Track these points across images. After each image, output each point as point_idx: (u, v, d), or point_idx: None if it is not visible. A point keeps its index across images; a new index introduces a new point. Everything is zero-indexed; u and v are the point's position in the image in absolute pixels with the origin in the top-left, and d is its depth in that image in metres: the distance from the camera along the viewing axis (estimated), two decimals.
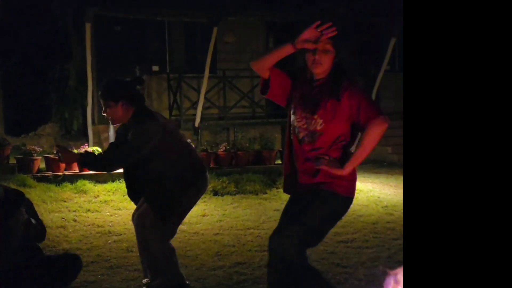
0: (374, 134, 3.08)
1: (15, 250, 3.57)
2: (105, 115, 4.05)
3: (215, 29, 10.58)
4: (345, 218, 6.38)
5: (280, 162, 9.24)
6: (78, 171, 8.08)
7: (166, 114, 13.24)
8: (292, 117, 3.24)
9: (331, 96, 3.11)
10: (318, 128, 3.12)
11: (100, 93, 4.11)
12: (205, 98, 11.24)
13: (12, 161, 8.34)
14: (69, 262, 3.84)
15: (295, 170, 3.24)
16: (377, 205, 7.34)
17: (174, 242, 5.25)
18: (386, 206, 7.21)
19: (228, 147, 9.45)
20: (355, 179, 3.26)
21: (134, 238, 5.56)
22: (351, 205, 3.34)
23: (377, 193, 8.25)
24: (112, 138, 8.54)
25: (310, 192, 3.16)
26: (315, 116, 3.12)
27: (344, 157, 3.16)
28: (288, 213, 3.31)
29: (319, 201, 3.15)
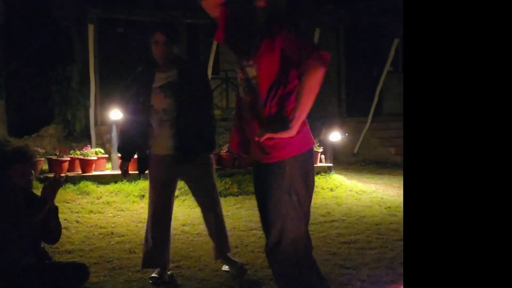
0: (312, 80, 2.78)
1: (27, 251, 3.59)
2: (157, 50, 4.14)
3: None
4: (348, 219, 6.43)
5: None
6: (80, 172, 8.07)
7: None
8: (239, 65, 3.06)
9: (265, 34, 2.90)
10: (254, 74, 2.94)
11: (165, 31, 4.17)
12: None
13: None
14: (75, 271, 3.84)
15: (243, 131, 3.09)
16: (380, 206, 7.33)
17: (176, 243, 5.26)
18: (389, 207, 7.19)
19: None
20: (305, 130, 2.98)
21: (137, 239, 5.57)
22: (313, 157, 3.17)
23: (380, 194, 8.23)
24: (115, 139, 8.52)
25: (269, 174, 2.94)
26: (250, 62, 2.94)
27: (283, 113, 2.90)
28: (266, 220, 3.05)
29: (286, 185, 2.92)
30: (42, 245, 3.78)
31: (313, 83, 2.79)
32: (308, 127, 3.04)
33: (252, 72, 2.94)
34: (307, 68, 2.77)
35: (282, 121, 2.87)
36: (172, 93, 4.12)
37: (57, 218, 3.76)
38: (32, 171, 3.72)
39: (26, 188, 3.67)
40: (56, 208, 3.77)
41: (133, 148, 4.32)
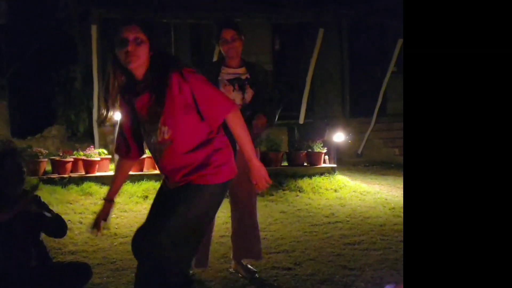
0: (236, 121, 2.86)
1: (25, 253, 3.58)
2: (228, 47, 4.17)
3: None
4: (352, 220, 6.42)
5: (287, 164, 9.21)
6: (84, 173, 8.06)
7: None
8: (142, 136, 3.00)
9: (162, 95, 2.76)
10: (166, 137, 2.83)
11: (229, 24, 4.23)
12: None
13: None
14: (78, 271, 3.83)
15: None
16: (385, 207, 7.30)
17: None
18: (393, 208, 7.17)
19: None
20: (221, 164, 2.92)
21: None
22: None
23: (384, 195, 8.21)
24: None
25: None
26: (159, 125, 2.82)
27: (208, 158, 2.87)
28: None
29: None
30: (44, 248, 3.77)
31: (239, 123, 2.87)
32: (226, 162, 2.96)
33: (165, 134, 2.84)
34: (227, 117, 2.84)
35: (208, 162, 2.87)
36: (240, 88, 4.16)
37: (45, 215, 3.71)
38: (23, 169, 3.71)
39: (18, 185, 3.65)
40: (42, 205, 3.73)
41: None
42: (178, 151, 2.85)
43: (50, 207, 3.89)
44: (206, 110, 2.82)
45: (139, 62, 2.77)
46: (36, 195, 3.80)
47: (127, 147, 3.09)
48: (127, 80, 2.86)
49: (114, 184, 3.22)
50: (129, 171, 3.29)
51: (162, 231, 2.79)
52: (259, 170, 2.95)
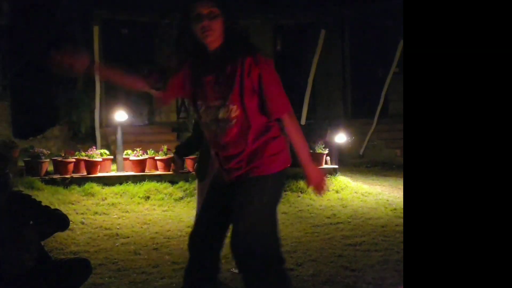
0: (294, 128, 2.92)
1: (22, 255, 3.57)
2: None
3: None
4: (353, 221, 6.41)
5: (288, 165, 9.20)
6: (86, 173, 8.07)
7: (174, 116, 13.22)
8: (198, 108, 2.94)
9: (235, 70, 2.76)
10: (233, 115, 2.82)
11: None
12: None
13: (20, 163, 8.35)
14: (78, 267, 3.82)
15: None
16: (386, 208, 7.30)
17: (181, 244, 5.25)
18: (395, 209, 7.16)
19: None
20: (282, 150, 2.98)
21: (142, 241, 5.56)
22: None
23: (386, 196, 8.21)
24: (120, 141, 8.52)
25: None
26: (228, 103, 2.80)
27: (265, 151, 2.90)
28: None
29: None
30: (42, 248, 3.76)
31: (295, 126, 2.93)
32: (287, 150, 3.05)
33: (232, 112, 2.83)
34: (283, 117, 2.88)
35: (262, 155, 2.90)
36: None
37: (35, 215, 3.69)
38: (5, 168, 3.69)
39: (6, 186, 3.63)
40: (36, 202, 3.71)
41: None
42: (242, 131, 2.85)
43: (52, 208, 3.86)
44: (266, 101, 2.83)
45: (215, 36, 2.80)
46: (28, 196, 3.77)
47: (163, 82, 3.09)
48: (199, 54, 2.89)
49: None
50: (130, 83, 3.33)
51: (246, 231, 2.93)
52: (317, 176, 3.00)
